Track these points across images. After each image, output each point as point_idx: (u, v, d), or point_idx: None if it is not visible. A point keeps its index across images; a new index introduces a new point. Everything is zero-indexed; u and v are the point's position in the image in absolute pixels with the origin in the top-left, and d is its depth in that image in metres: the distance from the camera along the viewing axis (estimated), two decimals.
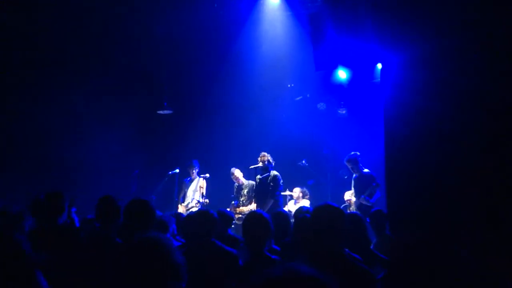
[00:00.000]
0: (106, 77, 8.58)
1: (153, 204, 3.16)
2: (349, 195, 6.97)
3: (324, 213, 2.39)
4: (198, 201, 7.41)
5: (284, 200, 7.65)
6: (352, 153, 6.95)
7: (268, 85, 8.99)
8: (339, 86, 8.25)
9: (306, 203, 8.15)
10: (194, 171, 7.96)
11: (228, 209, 6.88)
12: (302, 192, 8.18)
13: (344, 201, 7.03)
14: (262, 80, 8.88)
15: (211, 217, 3.26)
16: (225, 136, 9.50)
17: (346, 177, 7.71)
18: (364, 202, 6.58)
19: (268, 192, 6.94)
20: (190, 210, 7.55)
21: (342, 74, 8.02)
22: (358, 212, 4.81)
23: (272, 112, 9.17)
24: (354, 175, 6.93)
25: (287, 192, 7.73)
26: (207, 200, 7.18)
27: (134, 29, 8.18)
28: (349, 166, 6.94)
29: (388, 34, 3.16)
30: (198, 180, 7.89)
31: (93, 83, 8.50)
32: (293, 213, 5.21)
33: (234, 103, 9.36)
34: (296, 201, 8.18)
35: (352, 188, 6.91)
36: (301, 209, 4.29)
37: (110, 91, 8.68)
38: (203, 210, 3.38)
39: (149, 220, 3.01)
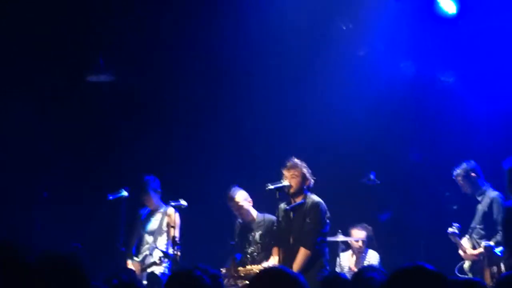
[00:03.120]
0: None
1: (76, 260, 3.29)
2: (466, 245, 7.15)
3: (412, 283, 2.55)
4: (166, 253, 7.46)
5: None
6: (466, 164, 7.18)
7: (303, 27, 9.02)
8: (443, 31, 8.32)
9: (374, 257, 8.37)
10: (152, 196, 7.99)
11: (223, 270, 6.95)
12: (367, 236, 8.37)
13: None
14: (291, 19, 8.90)
15: (200, 285, 3.46)
16: (216, 128, 9.60)
17: (455, 207, 7.86)
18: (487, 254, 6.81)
19: (302, 236, 7.02)
20: (150, 270, 7.67)
21: (448, 7, 8.10)
22: (481, 280, 4.95)
23: (308, 81, 9.23)
24: (484, 206, 7.09)
25: (340, 238, 7.90)
26: (178, 253, 7.15)
27: None
28: (465, 184, 7.21)
29: None
30: (165, 212, 7.96)
31: None
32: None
33: (236, 64, 9.43)
34: (358, 253, 8.38)
35: (474, 230, 7.12)
36: (367, 270, 4.44)
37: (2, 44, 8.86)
38: (183, 273, 3.57)
39: None
